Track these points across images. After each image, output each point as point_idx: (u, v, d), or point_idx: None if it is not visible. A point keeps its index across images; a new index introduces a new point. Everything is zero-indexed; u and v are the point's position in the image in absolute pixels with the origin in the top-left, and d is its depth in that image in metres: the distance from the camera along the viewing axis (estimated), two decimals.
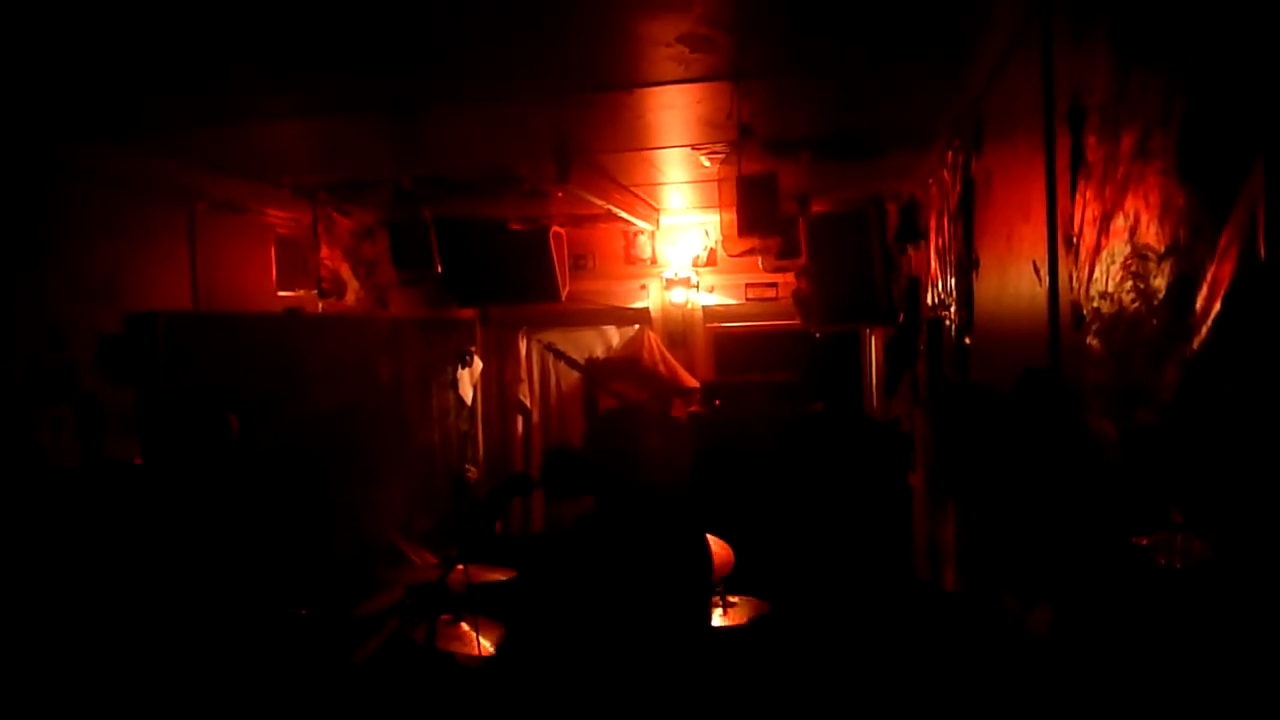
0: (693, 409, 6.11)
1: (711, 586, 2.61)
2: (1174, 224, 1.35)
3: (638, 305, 7.01)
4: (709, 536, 2.90)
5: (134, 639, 3.24)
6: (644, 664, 2.33)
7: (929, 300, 4.49)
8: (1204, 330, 1.24)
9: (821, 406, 5.91)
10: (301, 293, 5.02)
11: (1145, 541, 1.46)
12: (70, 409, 3.55)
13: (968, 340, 3.41)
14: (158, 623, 3.29)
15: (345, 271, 5.26)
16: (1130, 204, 1.54)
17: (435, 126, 3.86)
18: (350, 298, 5.33)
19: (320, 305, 5.11)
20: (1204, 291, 1.24)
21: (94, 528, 3.39)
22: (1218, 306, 1.20)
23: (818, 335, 6.14)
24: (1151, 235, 1.44)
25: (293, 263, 5.00)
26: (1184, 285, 1.31)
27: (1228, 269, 1.18)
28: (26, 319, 3.41)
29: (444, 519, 5.86)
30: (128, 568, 3.33)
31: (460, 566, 3.62)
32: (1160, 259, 1.40)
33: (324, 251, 5.10)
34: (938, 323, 4.19)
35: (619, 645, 2.35)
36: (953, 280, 3.70)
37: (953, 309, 3.71)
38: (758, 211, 3.26)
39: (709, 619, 2.59)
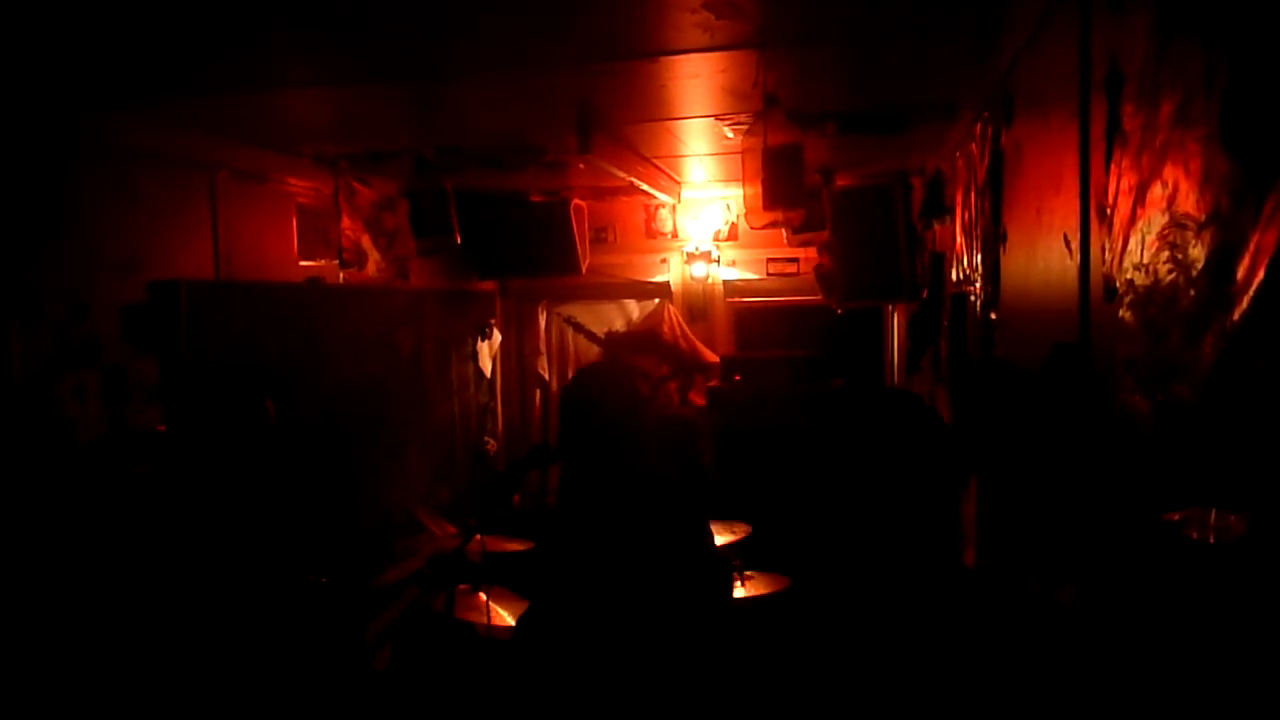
0: (712, 384, 6.09)
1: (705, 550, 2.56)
2: (1215, 192, 1.31)
3: (658, 279, 6.97)
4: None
5: (154, 604, 3.28)
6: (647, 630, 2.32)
7: (954, 276, 4.44)
8: (1245, 301, 1.21)
9: (842, 383, 5.87)
10: (323, 262, 5.03)
11: (1177, 518, 1.43)
12: (96, 378, 3.58)
13: (993, 316, 3.37)
14: (178, 588, 3.33)
15: (366, 242, 5.26)
16: (1169, 172, 1.50)
17: (457, 96, 3.84)
18: (371, 268, 5.33)
19: (341, 275, 5.11)
20: (1246, 261, 1.20)
21: (118, 496, 3.43)
22: (1261, 276, 1.16)
23: (839, 311, 6.09)
24: (1191, 204, 1.40)
25: (314, 232, 5.00)
26: (1225, 255, 1.27)
27: (1272, 237, 1.14)
28: (53, 290, 3.43)
29: (463, 490, 5.89)
30: (150, 534, 3.36)
31: (479, 537, 3.64)
32: (1200, 228, 1.36)
33: (345, 221, 5.10)
34: (962, 299, 4.14)
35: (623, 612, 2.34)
36: (979, 255, 3.65)
37: (978, 284, 3.66)
38: (783, 183, 3.21)
39: (715, 585, 2.54)
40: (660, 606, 2.31)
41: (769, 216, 3.36)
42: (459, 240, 4.94)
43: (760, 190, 3.27)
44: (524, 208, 6.35)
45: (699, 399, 6.38)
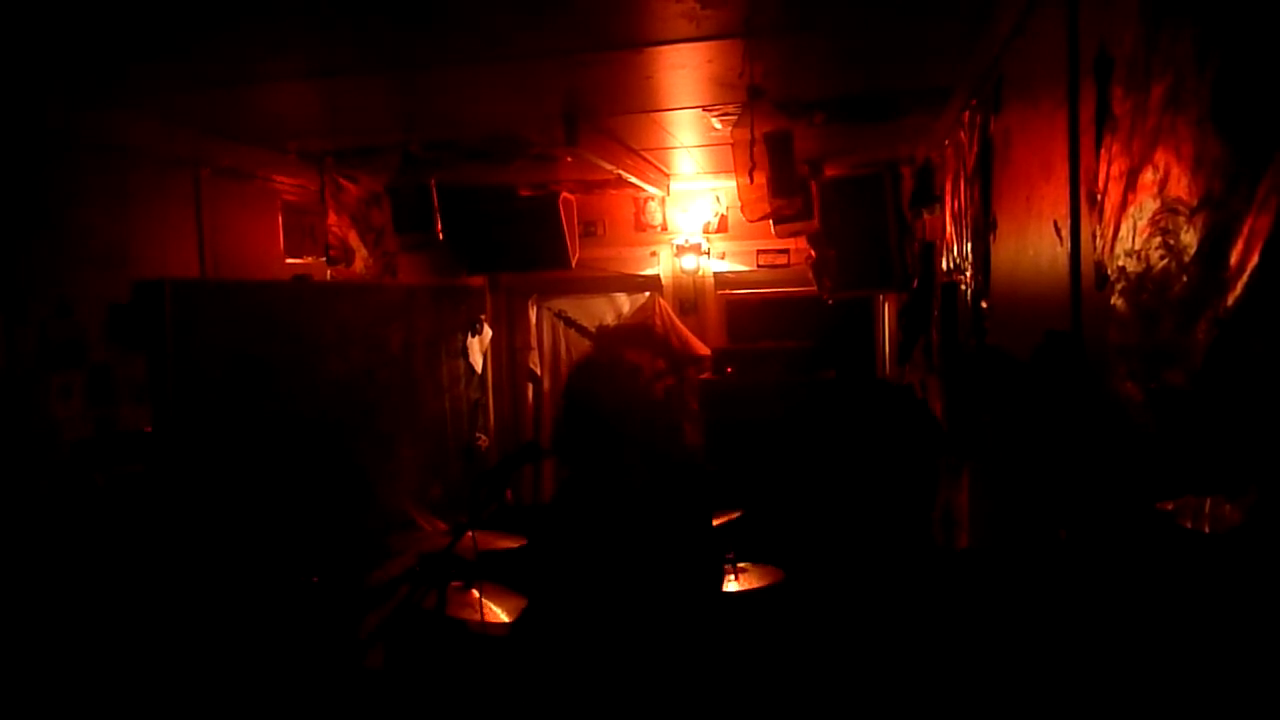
0: (704, 376, 6.08)
1: (712, 545, 2.52)
2: (1208, 176, 1.30)
3: (648, 272, 6.95)
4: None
5: (143, 604, 3.25)
6: (649, 626, 2.30)
7: (944, 265, 4.43)
8: (1239, 286, 1.19)
9: (834, 374, 5.86)
10: (309, 260, 4.99)
11: (1171, 506, 1.42)
12: (80, 377, 3.54)
13: (984, 304, 3.35)
14: (169, 589, 3.30)
15: (353, 238, 5.22)
16: (1160, 157, 1.48)
17: (442, 89, 3.80)
18: (359, 265, 5.29)
19: (328, 272, 5.07)
20: (1240, 245, 1.19)
21: (105, 497, 3.39)
22: (1255, 260, 1.14)
23: (830, 302, 6.08)
24: (1183, 188, 1.38)
25: (300, 230, 4.96)
26: (1218, 239, 1.26)
27: (1266, 221, 1.13)
28: (35, 288, 3.39)
29: (455, 487, 5.86)
30: (138, 534, 3.33)
31: (470, 534, 3.61)
32: (1192, 213, 1.34)
33: (331, 218, 5.05)
34: (953, 287, 4.13)
35: (623, 609, 2.31)
36: (969, 244, 3.64)
37: (969, 273, 3.65)
38: (778, 172, 3.19)
39: (712, 578, 2.50)
40: (657, 600, 2.29)
41: (768, 207, 3.34)
42: (440, 236, 4.91)
43: (753, 182, 3.25)
44: (512, 202, 6.32)
45: (692, 392, 6.36)
